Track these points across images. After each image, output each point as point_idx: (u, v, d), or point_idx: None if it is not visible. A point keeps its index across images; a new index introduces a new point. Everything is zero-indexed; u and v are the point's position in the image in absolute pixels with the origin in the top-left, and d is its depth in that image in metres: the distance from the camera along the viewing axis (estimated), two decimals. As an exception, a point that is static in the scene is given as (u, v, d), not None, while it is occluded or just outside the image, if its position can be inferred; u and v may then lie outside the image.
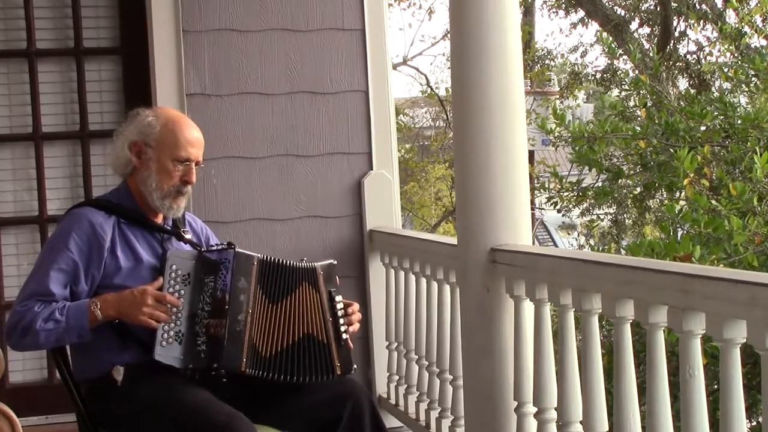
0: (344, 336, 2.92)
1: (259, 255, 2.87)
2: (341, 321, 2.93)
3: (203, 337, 2.76)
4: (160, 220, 2.97)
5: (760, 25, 8.32)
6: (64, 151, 4.41)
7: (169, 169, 2.88)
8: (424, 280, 3.93)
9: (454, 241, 3.39)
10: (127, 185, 2.95)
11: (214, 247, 2.91)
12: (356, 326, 3.00)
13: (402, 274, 4.16)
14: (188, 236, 2.99)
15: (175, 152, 2.89)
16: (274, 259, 2.89)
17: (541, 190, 7.92)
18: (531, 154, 16.22)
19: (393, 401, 4.27)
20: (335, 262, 3.00)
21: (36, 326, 2.71)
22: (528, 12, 15.71)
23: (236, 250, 2.84)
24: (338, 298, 2.95)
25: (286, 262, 2.91)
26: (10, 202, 4.37)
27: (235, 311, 2.78)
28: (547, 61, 15.70)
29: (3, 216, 4.35)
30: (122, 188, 2.97)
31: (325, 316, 2.90)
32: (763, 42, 8.15)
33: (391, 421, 4.08)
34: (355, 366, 2.96)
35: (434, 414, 3.82)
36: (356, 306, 3.01)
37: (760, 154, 5.31)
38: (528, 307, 3.02)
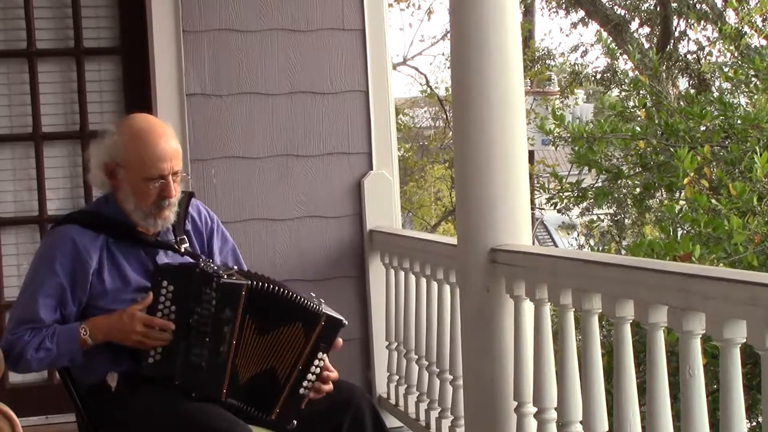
0: (301, 391, 2.76)
1: (249, 282, 2.72)
2: (308, 377, 2.76)
3: (188, 359, 2.69)
4: (153, 229, 2.86)
5: (760, 25, 8.32)
6: (64, 151, 4.41)
7: (143, 190, 2.75)
8: (424, 280, 3.93)
9: (454, 241, 3.39)
10: (114, 198, 2.84)
11: (207, 269, 2.73)
12: (321, 393, 2.80)
13: (402, 274, 4.16)
14: (185, 246, 2.88)
15: (145, 172, 2.74)
16: (266, 286, 2.74)
17: (541, 191, 7.93)
18: (531, 154, 16.21)
19: (393, 401, 4.27)
20: (346, 322, 2.80)
21: (27, 356, 2.70)
22: (528, 12, 15.71)
23: (222, 281, 2.69)
24: (321, 355, 2.77)
25: (282, 291, 2.75)
26: (10, 202, 4.38)
27: (218, 342, 2.69)
28: (547, 61, 15.70)
29: (3, 216, 4.35)
30: (111, 200, 2.84)
31: (297, 362, 2.75)
32: (763, 42, 8.14)
33: (391, 421, 4.08)
34: (295, 422, 2.75)
35: (434, 414, 3.82)
36: (334, 375, 2.82)
37: (760, 154, 5.31)
38: (528, 307, 3.02)
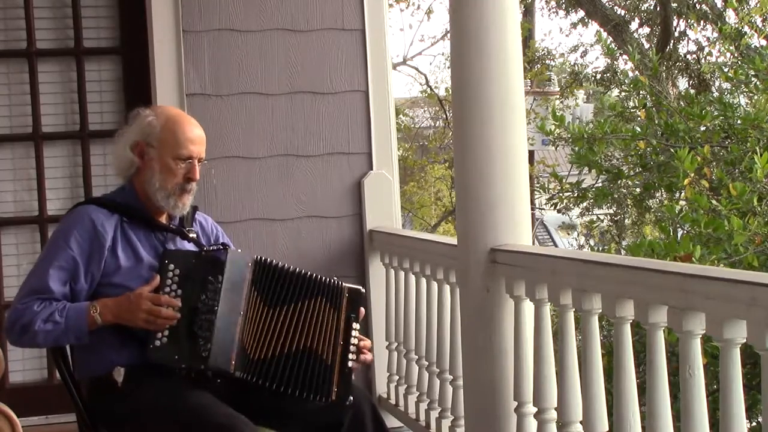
0: (350, 364, 2.84)
1: (255, 256, 2.84)
2: (351, 349, 2.85)
3: (196, 337, 2.73)
4: (164, 219, 2.96)
5: (760, 25, 8.32)
6: (64, 151, 4.41)
7: (171, 168, 2.88)
8: (424, 280, 3.93)
9: (454, 241, 3.39)
10: (132, 185, 2.94)
11: (213, 248, 2.89)
12: (361, 363, 2.92)
13: (402, 274, 4.16)
14: (193, 235, 2.98)
15: (176, 150, 2.88)
16: (272, 261, 2.85)
17: (541, 191, 7.93)
18: (531, 154, 16.21)
19: (393, 401, 4.27)
20: (363, 290, 2.94)
21: (35, 327, 2.72)
22: (528, 12, 15.71)
23: (230, 250, 2.83)
24: (356, 326, 2.87)
25: (292, 268, 2.86)
26: (10, 202, 4.37)
27: (226, 313, 2.75)
28: (546, 61, 15.70)
29: (3, 216, 4.34)
30: (127, 188, 2.95)
31: (336, 338, 2.83)
32: (763, 42, 8.15)
33: (391, 421, 4.08)
34: (352, 398, 2.84)
35: (434, 414, 3.82)
36: (368, 343, 2.94)
37: (760, 154, 5.31)
38: (528, 307, 3.02)
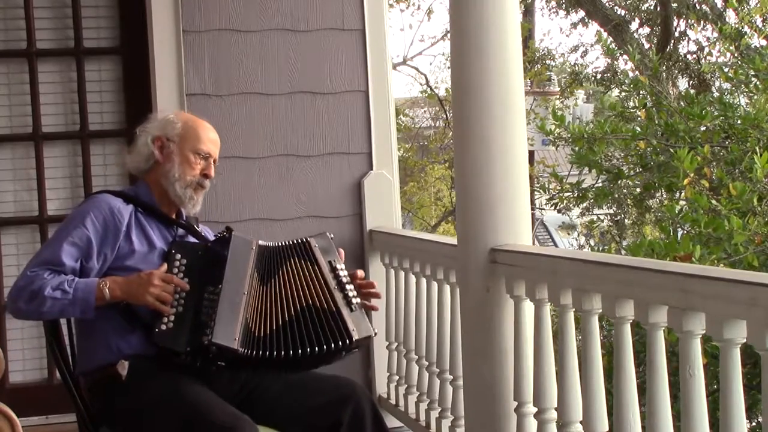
0: (355, 301, 2.89)
1: (260, 241, 2.93)
2: (348, 288, 2.91)
3: (201, 323, 2.76)
4: (174, 216, 3.04)
5: (760, 25, 8.33)
6: (64, 151, 4.41)
7: (190, 161, 2.99)
8: (424, 280, 3.93)
9: (454, 241, 3.39)
10: (145, 182, 3.03)
11: (218, 235, 2.97)
12: (374, 296, 3.01)
13: (402, 274, 4.16)
14: (201, 233, 3.05)
15: (196, 145, 3.01)
16: (272, 243, 2.95)
17: (541, 191, 7.93)
18: (531, 154, 16.20)
19: (393, 401, 4.27)
20: (331, 235, 3.00)
21: (44, 292, 2.75)
22: (528, 12, 15.71)
23: (234, 234, 2.90)
24: (340, 266, 2.94)
25: (280, 243, 2.96)
26: (10, 202, 4.37)
27: (230, 296, 2.79)
28: (546, 61, 15.70)
29: (3, 216, 4.35)
30: (140, 184, 3.04)
31: (327, 284, 2.89)
32: (763, 42, 8.15)
33: (391, 421, 4.08)
34: (376, 330, 2.90)
35: (434, 414, 3.82)
36: (362, 273, 3.02)
37: (760, 154, 5.32)
38: (528, 307, 3.02)
